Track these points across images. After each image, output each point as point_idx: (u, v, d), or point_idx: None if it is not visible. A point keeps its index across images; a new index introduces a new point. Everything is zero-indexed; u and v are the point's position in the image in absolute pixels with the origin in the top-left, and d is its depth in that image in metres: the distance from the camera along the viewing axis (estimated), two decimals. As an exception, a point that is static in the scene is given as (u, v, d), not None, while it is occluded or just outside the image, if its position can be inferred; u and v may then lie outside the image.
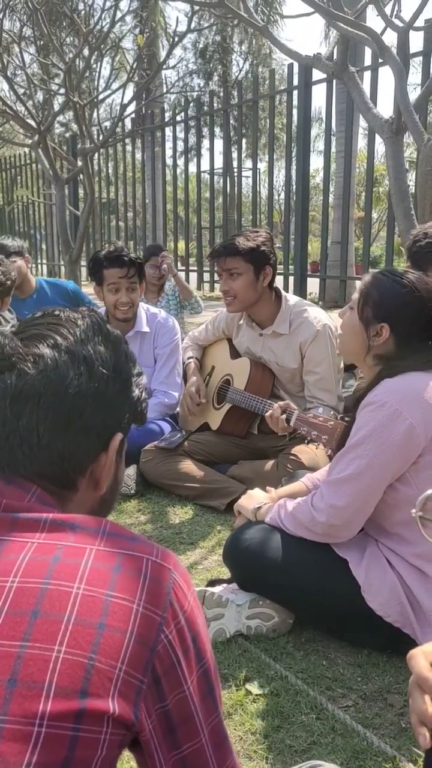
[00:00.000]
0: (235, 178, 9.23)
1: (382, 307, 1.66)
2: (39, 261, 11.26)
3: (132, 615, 0.65)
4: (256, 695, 1.53)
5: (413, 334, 1.66)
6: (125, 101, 6.65)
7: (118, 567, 0.68)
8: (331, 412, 2.14)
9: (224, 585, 1.87)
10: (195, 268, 8.67)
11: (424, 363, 1.65)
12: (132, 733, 0.65)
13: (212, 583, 1.93)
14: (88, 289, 7.33)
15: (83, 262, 8.20)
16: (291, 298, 2.82)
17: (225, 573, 2.01)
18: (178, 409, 3.23)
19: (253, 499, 1.91)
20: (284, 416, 2.12)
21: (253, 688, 1.56)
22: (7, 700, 0.59)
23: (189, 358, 3.15)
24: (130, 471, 2.83)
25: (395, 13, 3.65)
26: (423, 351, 1.66)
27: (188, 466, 2.79)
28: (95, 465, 0.80)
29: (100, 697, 0.61)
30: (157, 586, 0.68)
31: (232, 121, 8.64)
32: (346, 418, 1.99)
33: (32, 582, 0.64)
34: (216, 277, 8.65)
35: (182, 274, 8.73)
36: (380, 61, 4.81)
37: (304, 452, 2.58)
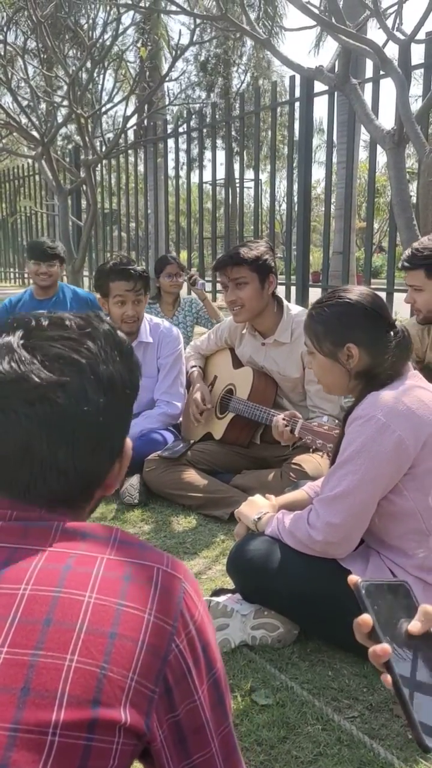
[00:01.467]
0: (237, 189, 9.27)
1: (334, 334, 1.66)
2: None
3: (143, 624, 0.65)
4: (262, 706, 1.53)
5: (376, 335, 1.64)
6: (128, 113, 6.71)
7: (128, 576, 0.68)
8: (335, 422, 2.14)
9: (229, 595, 1.86)
10: (197, 278, 8.69)
11: (401, 359, 1.64)
12: (143, 743, 0.64)
13: (217, 592, 1.92)
14: (90, 299, 7.35)
15: (85, 272, 8.24)
16: (293, 307, 2.83)
17: (229, 583, 2.00)
18: (181, 419, 3.23)
19: (254, 506, 1.91)
20: (288, 427, 2.13)
21: (259, 698, 1.55)
22: (20, 708, 0.59)
23: (192, 367, 3.16)
24: (134, 481, 2.83)
25: (397, 25, 3.69)
26: (394, 345, 1.64)
27: (191, 475, 2.79)
28: (110, 473, 0.81)
29: (112, 706, 0.61)
30: (168, 596, 0.68)
31: (233, 133, 8.69)
32: None
33: (44, 590, 0.64)
34: (218, 288, 8.68)
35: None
36: (381, 73, 4.85)
37: (307, 461, 2.57)
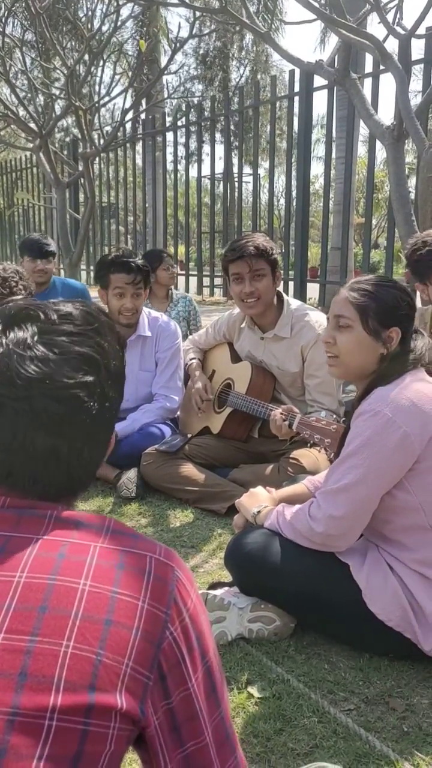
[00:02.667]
0: (236, 183, 9.25)
1: (386, 313, 1.67)
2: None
3: (138, 612, 0.66)
4: (258, 698, 1.53)
5: (410, 331, 1.71)
6: (126, 106, 6.68)
7: (121, 564, 0.69)
8: (333, 416, 2.14)
9: (226, 588, 1.87)
10: (195, 272, 8.69)
11: (411, 359, 1.68)
12: (138, 729, 0.66)
13: (213, 586, 1.93)
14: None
15: (83, 266, 8.23)
16: (293, 302, 2.84)
17: (226, 576, 2.01)
18: (179, 413, 3.23)
19: (255, 498, 1.92)
20: (287, 422, 2.13)
21: (255, 691, 1.56)
22: (18, 693, 0.60)
23: (191, 359, 3.16)
24: (131, 474, 2.83)
25: (397, 20, 3.68)
26: (408, 347, 1.70)
27: (189, 469, 2.79)
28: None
29: (107, 692, 0.62)
30: (161, 584, 0.69)
31: (232, 127, 8.67)
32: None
33: (39, 578, 0.65)
34: (216, 282, 8.68)
35: (181, 279, 8.76)
36: (381, 68, 4.84)
37: (305, 456, 2.58)
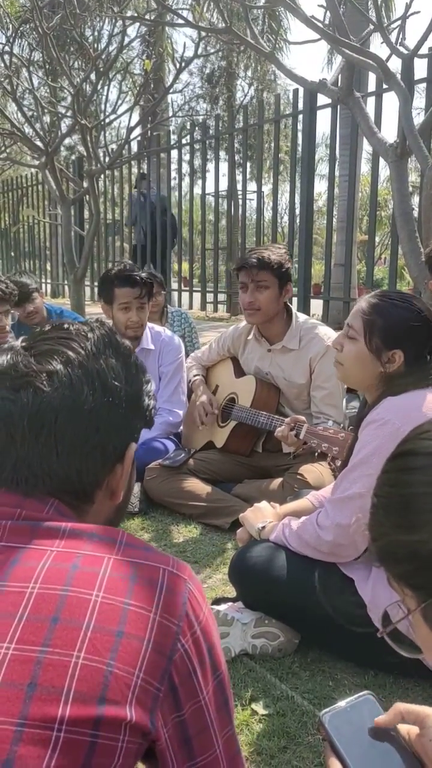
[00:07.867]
0: (239, 200, 9.31)
1: (391, 334, 1.66)
2: (44, 280, 11.32)
3: (149, 624, 0.65)
4: (262, 715, 1.52)
5: (421, 353, 1.68)
6: (132, 124, 6.75)
7: (134, 576, 0.68)
8: (340, 426, 2.14)
9: (230, 603, 1.86)
10: (198, 289, 8.72)
11: (426, 378, 1.66)
12: (148, 742, 0.64)
13: (217, 601, 1.92)
14: (91, 309, 7.37)
15: (87, 282, 8.26)
16: (300, 315, 2.87)
17: (229, 591, 1.99)
18: (182, 427, 3.23)
19: (259, 512, 1.91)
20: (294, 431, 2.13)
21: (259, 708, 1.54)
22: (26, 704, 0.59)
23: (195, 376, 3.16)
24: (134, 489, 2.83)
25: (400, 40, 3.72)
26: (426, 366, 1.68)
27: (193, 484, 2.78)
28: (111, 476, 0.81)
29: (117, 703, 0.61)
30: (173, 596, 0.68)
31: (237, 145, 8.75)
32: None
33: (52, 589, 0.65)
34: (220, 298, 8.71)
35: (186, 295, 8.79)
36: (384, 86, 4.89)
37: (309, 471, 2.57)
